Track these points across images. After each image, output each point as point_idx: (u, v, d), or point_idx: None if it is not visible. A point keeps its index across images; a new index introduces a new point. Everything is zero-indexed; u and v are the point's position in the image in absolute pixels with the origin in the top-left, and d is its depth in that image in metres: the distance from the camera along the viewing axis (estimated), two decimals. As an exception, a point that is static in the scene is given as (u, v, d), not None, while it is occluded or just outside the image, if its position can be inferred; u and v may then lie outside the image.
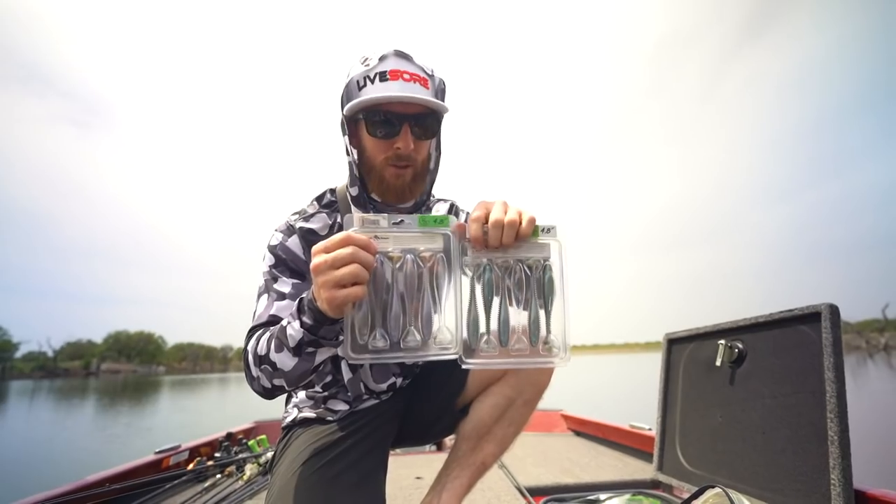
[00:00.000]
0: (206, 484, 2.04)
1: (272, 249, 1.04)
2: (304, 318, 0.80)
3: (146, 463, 2.11)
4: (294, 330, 0.82)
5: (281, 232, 1.06)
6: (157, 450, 2.27)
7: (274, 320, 0.96)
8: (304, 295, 0.82)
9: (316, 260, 0.73)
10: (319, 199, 1.14)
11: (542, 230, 0.80)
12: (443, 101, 1.03)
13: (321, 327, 0.80)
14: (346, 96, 0.99)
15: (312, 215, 1.09)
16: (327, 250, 0.72)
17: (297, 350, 0.83)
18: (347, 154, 1.04)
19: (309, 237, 1.06)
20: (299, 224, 1.07)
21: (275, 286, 1.01)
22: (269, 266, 1.04)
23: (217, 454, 2.49)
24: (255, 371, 0.90)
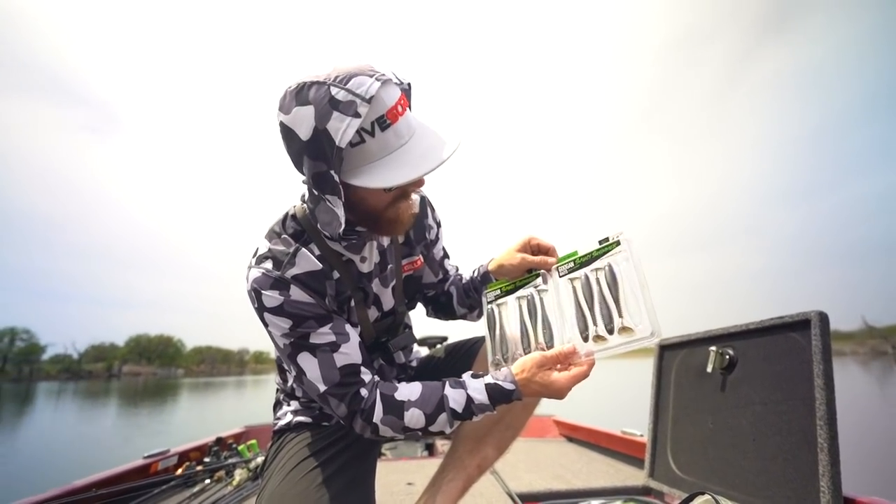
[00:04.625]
0: (195, 489, 2.01)
1: (279, 311, 0.90)
2: (496, 403, 0.91)
3: (134, 468, 2.08)
4: (480, 413, 0.92)
5: (272, 289, 0.90)
6: (145, 454, 2.24)
7: (348, 371, 0.92)
8: (504, 387, 0.90)
9: (560, 381, 0.87)
10: (284, 228, 0.98)
11: (610, 239, 0.95)
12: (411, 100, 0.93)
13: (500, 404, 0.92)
14: (339, 157, 0.80)
15: (294, 255, 0.93)
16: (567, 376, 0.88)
17: (461, 422, 0.94)
18: (325, 203, 0.85)
19: (309, 282, 0.93)
20: (289, 273, 0.92)
21: (312, 342, 0.91)
22: (289, 328, 0.90)
23: (206, 459, 2.46)
24: (393, 432, 0.93)
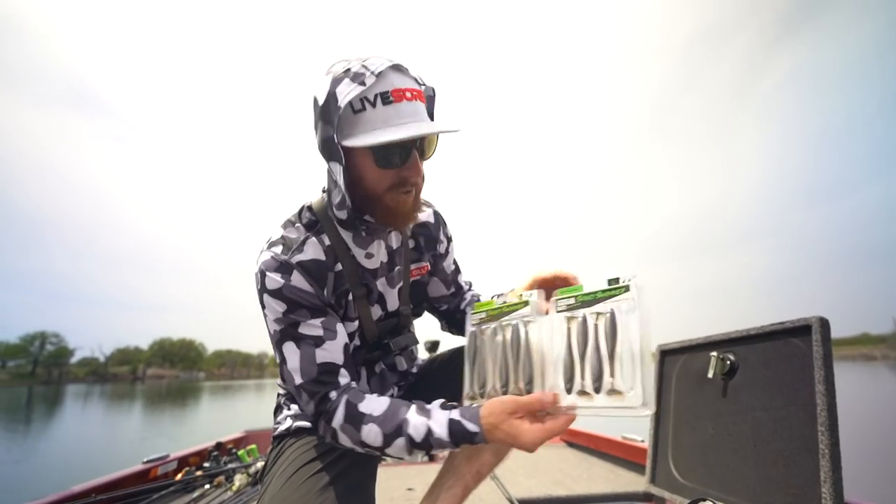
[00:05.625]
0: (195, 494, 2.01)
1: (277, 294, 0.92)
2: (457, 447, 0.85)
3: (134, 473, 2.08)
4: (440, 448, 0.86)
5: (276, 272, 0.93)
6: (144, 459, 2.24)
7: (326, 370, 0.92)
8: (467, 428, 0.83)
9: (530, 433, 0.79)
10: (299, 218, 1.03)
11: (621, 281, 0.82)
12: (433, 109, 0.98)
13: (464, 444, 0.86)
14: (342, 121, 0.87)
15: (303, 243, 0.97)
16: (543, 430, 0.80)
17: (420, 452, 0.88)
18: (332, 176, 0.93)
19: (312, 269, 0.96)
20: (295, 258, 0.95)
21: (301, 331, 0.93)
22: (283, 312, 0.93)
23: (206, 464, 2.46)
24: (349, 444, 0.91)
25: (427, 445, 0.85)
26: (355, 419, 0.89)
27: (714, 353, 1.55)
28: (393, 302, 1.12)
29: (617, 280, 0.82)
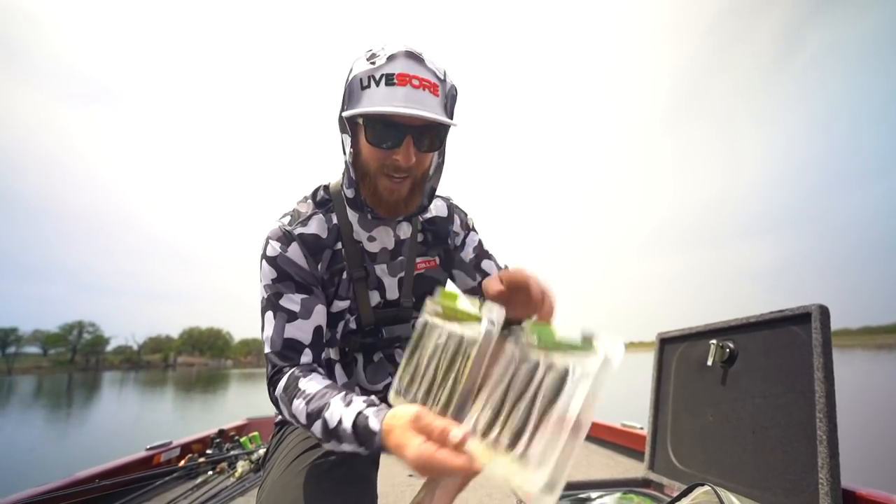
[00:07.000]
0: (198, 481, 2.03)
1: (272, 261, 0.97)
2: (363, 448, 0.75)
3: (137, 459, 2.10)
4: (348, 443, 0.77)
5: (277, 241, 0.98)
6: (148, 446, 2.26)
7: (290, 345, 0.95)
8: (369, 424, 0.73)
9: (416, 450, 0.65)
10: (313, 196, 1.07)
11: (594, 341, 0.62)
12: (453, 108, 0.97)
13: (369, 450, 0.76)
14: (348, 94, 0.91)
15: (309, 217, 1.02)
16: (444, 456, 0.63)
17: (336, 442, 0.79)
18: (344, 152, 0.97)
19: (310, 243, 1.00)
20: (298, 230, 0.99)
21: (281, 303, 0.96)
22: (272, 280, 0.97)
23: (209, 451, 2.48)
24: (286, 415, 0.91)
25: (336, 435, 0.77)
26: (291, 392, 0.88)
27: (713, 342, 1.56)
28: (392, 291, 1.11)
29: (590, 341, 0.62)
